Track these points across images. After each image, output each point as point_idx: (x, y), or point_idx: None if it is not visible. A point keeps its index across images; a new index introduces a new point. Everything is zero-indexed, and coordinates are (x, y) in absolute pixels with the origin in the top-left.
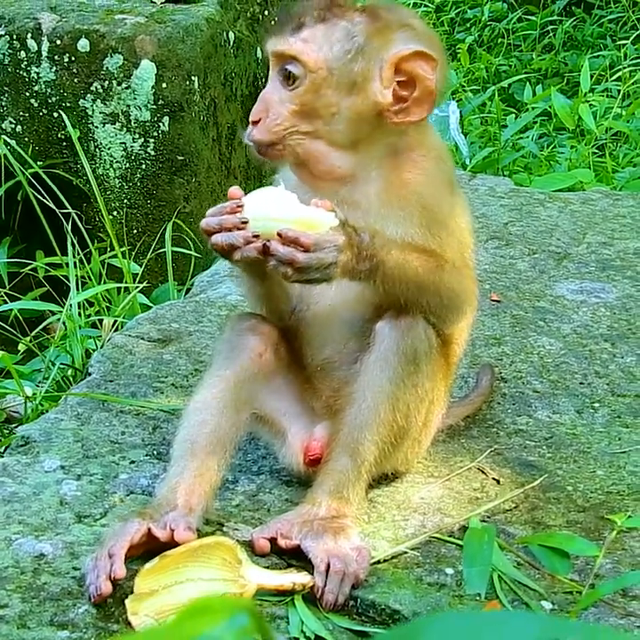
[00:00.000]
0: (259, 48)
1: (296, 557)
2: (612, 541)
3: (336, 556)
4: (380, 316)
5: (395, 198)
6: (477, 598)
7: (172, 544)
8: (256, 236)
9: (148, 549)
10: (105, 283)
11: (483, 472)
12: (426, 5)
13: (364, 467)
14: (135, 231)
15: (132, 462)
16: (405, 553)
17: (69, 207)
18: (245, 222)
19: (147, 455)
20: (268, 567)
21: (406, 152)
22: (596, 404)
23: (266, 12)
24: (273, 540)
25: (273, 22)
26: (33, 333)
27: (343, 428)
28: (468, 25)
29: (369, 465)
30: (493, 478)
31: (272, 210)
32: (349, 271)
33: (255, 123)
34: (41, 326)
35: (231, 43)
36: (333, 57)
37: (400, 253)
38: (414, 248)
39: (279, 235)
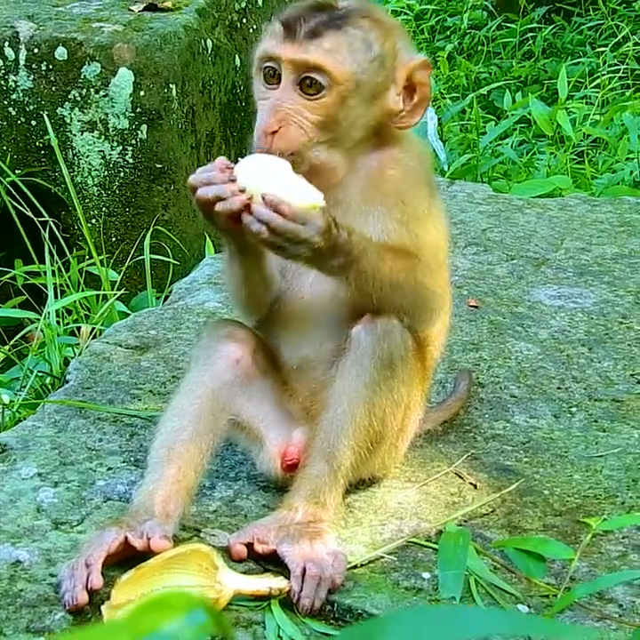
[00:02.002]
0: (237, 56)
1: (273, 562)
2: (587, 545)
3: (312, 560)
4: (355, 316)
5: (376, 194)
6: (454, 602)
7: (149, 553)
8: (242, 191)
9: (125, 557)
10: (83, 290)
11: (460, 477)
12: (406, 13)
13: (340, 472)
14: (114, 239)
15: (110, 469)
16: (382, 557)
17: (47, 215)
18: (234, 180)
19: (124, 462)
20: (244, 572)
21: (389, 150)
22: (574, 409)
23: (244, 20)
24: (250, 546)
25: (278, 24)
26: (11, 342)
27: (319, 433)
28: (448, 33)
29: (345, 470)
30: (470, 483)
31: (263, 173)
32: (320, 259)
33: (274, 133)
34: (19, 335)
35: (209, 50)
36: (360, 69)
37: (375, 252)
38: (390, 247)
39: (263, 196)
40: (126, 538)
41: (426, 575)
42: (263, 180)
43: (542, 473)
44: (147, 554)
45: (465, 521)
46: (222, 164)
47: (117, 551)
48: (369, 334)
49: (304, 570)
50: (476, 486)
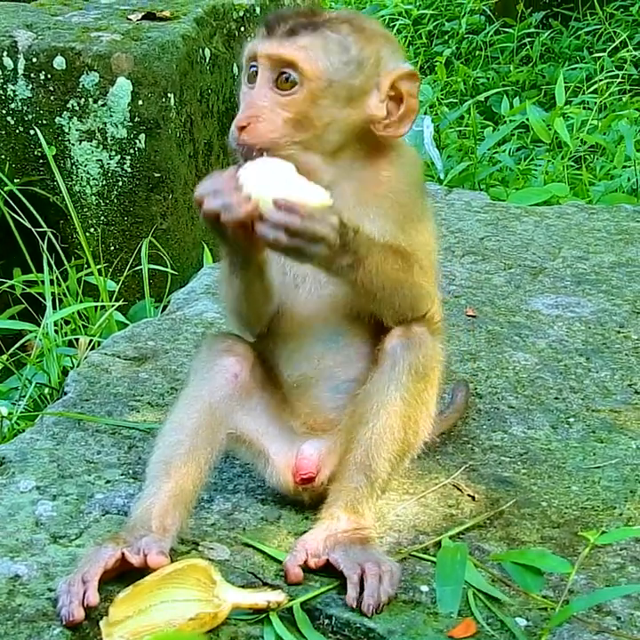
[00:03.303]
0: (235, 64)
1: (324, 572)
2: (585, 557)
3: (368, 560)
4: (354, 330)
5: (371, 196)
6: (452, 616)
7: (146, 569)
8: (248, 199)
9: (123, 572)
10: (82, 300)
11: (458, 489)
12: (403, 18)
13: (377, 483)
14: (112, 248)
15: (108, 482)
16: None
17: (45, 225)
18: (239, 188)
19: (122, 475)
20: (242, 586)
21: (382, 154)
22: (571, 419)
23: (242, 29)
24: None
25: (265, 24)
26: (9, 351)
27: (356, 447)
28: (446, 37)
29: (382, 482)
30: (468, 495)
31: (268, 178)
32: (331, 259)
33: (243, 128)
34: (18, 344)
35: (207, 59)
36: (333, 69)
37: (379, 251)
38: (390, 247)
39: (274, 202)
40: (123, 554)
41: (424, 588)
42: (269, 185)
43: (540, 484)
44: (144, 569)
45: (463, 533)
46: (226, 174)
47: (114, 567)
48: (405, 348)
49: (362, 572)
50: (474, 498)
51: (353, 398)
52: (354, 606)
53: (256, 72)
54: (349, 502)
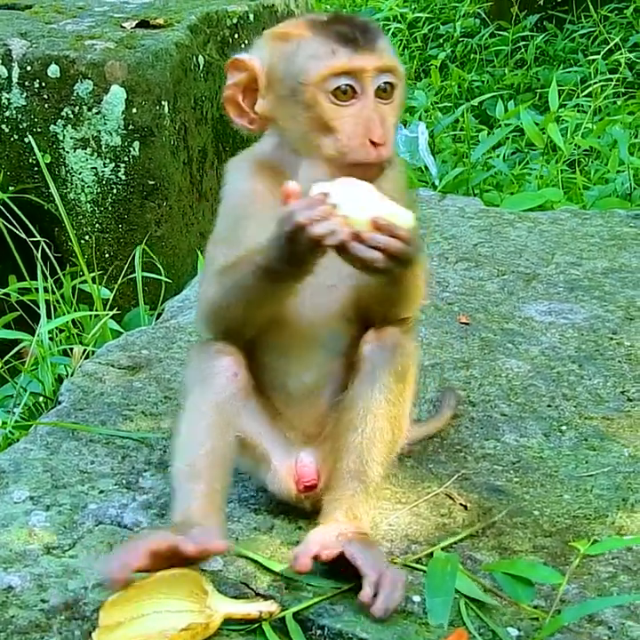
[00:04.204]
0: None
1: (334, 564)
2: (577, 566)
3: (385, 565)
4: (350, 334)
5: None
6: (442, 627)
7: (202, 557)
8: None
9: (169, 565)
10: (77, 308)
11: (450, 497)
12: (398, 21)
13: (371, 487)
14: (107, 255)
15: (101, 492)
16: None
17: (39, 233)
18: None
19: (116, 485)
20: (235, 597)
21: None
22: (564, 427)
23: (236, 36)
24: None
25: (331, 43)
26: (4, 359)
27: (348, 453)
28: (441, 41)
29: (376, 485)
30: (460, 504)
31: (359, 198)
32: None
33: (376, 143)
34: (12, 352)
35: (201, 67)
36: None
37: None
38: None
39: (375, 223)
40: (177, 543)
41: (416, 598)
42: (363, 206)
43: (532, 493)
44: (196, 560)
45: (455, 542)
46: (317, 196)
47: (164, 554)
48: (383, 350)
49: (379, 575)
50: (466, 507)
51: (336, 405)
52: (367, 603)
53: (349, 87)
54: (348, 509)
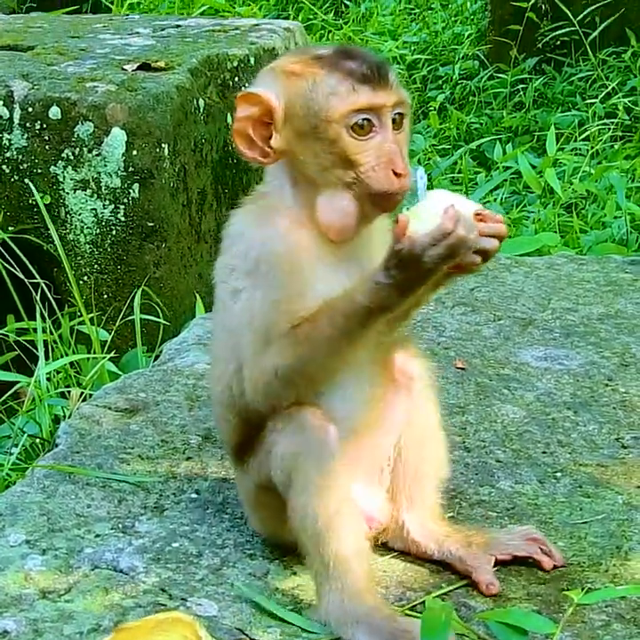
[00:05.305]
0: (229, 114)
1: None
2: (571, 614)
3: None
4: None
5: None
6: None
7: None
8: None
9: None
10: (75, 348)
11: None
12: (398, 62)
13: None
14: (106, 296)
15: (97, 536)
16: None
17: (38, 273)
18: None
19: (112, 529)
20: None
21: None
22: (558, 474)
23: (236, 79)
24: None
25: (350, 81)
26: (2, 399)
27: (423, 465)
28: (440, 82)
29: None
30: None
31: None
32: None
33: (400, 174)
34: (9, 393)
35: (201, 110)
36: None
37: None
38: None
39: (477, 215)
40: None
41: None
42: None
43: None
44: None
45: (450, 590)
46: (454, 217)
47: None
48: (418, 366)
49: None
50: None
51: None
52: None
53: (366, 121)
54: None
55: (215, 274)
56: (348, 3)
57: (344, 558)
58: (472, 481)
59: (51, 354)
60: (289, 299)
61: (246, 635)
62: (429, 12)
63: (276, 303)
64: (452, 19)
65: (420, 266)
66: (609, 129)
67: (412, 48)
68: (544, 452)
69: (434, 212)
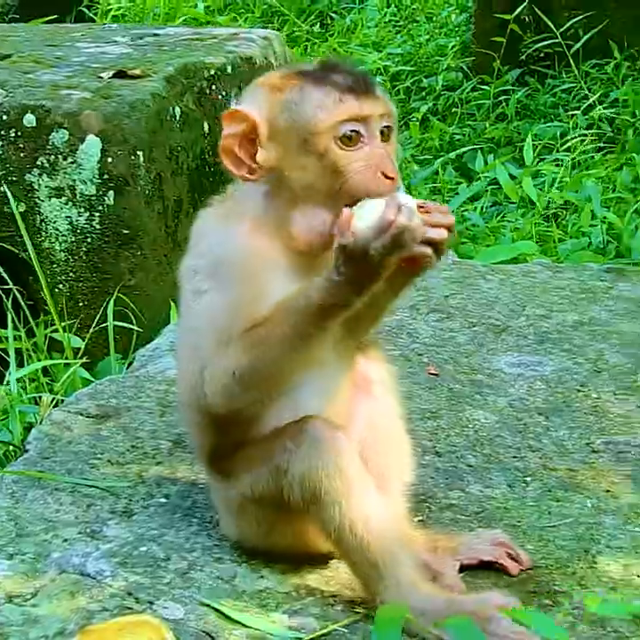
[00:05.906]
0: (205, 122)
1: None
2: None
3: None
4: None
5: None
6: None
7: None
8: None
9: None
10: (49, 356)
11: None
12: (381, 74)
13: None
14: (81, 304)
15: (65, 540)
16: (335, 631)
17: (11, 281)
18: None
19: (79, 533)
20: None
21: None
22: (528, 478)
23: (213, 87)
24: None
25: (337, 93)
26: None
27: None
28: (424, 94)
29: None
30: None
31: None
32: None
33: (392, 178)
34: None
35: (177, 117)
36: None
37: None
38: None
39: (420, 207)
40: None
41: None
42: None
43: None
44: None
45: None
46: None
47: None
48: (379, 371)
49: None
50: None
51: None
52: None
53: (354, 132)
54: None
55: (180, 275)
56: (333, 15)
57: (392, 555)
58: (442, 485)
59: (25, 362)
60: (245, 302)
61: (212, 638)
62: (414, 24)
63: (233, 305)
64: (437, 31)
65: (367, 259)
66: (590, 140)
67: (396, 59)
68: (515, 457)
69: (377, 208)
